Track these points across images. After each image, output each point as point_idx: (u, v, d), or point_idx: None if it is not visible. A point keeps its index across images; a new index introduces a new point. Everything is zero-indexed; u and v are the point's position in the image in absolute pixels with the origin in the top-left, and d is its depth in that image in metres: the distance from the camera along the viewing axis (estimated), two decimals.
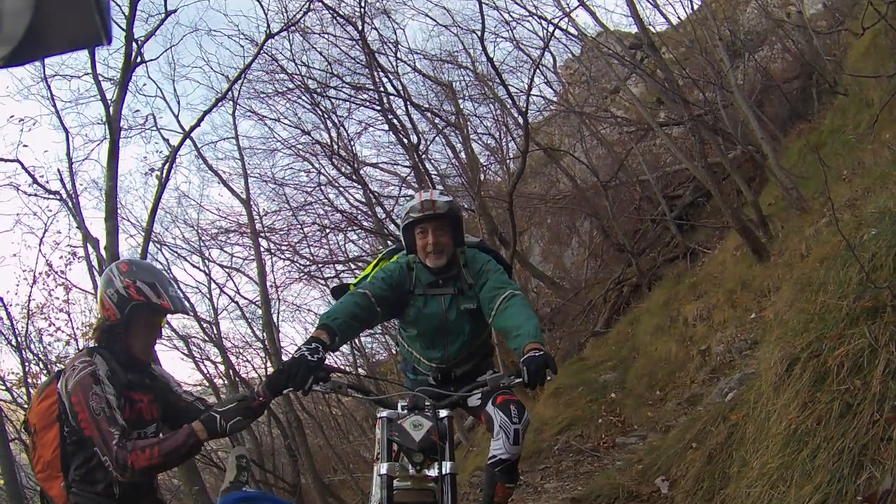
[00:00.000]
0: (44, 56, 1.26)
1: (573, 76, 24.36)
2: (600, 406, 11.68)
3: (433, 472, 4.13)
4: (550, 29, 17.14)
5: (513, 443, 4.53)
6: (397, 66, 19.39)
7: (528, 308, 4.71)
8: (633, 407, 11.25)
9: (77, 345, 23.08)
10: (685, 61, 16.27)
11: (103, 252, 15.28)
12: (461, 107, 21.33)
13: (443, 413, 4.28)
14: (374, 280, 4.99)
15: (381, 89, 17.96)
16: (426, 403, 4.31)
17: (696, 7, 16.77)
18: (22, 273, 25.51)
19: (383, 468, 4.15)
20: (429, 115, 20.17)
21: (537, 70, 19.11)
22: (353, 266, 23.74)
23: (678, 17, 18.28)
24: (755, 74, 17.51)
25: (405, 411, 4.31)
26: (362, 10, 17.19)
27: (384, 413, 4.39)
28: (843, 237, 4.37)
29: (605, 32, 17.80)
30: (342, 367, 24.56)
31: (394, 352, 28.27)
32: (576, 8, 15.93)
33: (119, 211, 19.89)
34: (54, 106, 18.23)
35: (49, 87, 18.12)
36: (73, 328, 23.09)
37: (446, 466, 4.09)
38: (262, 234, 23.17)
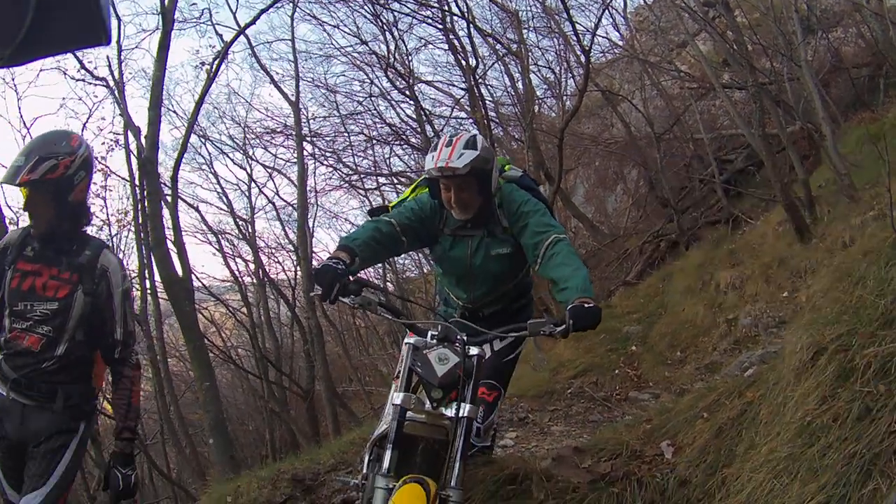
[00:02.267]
0: (44, 56, 1.27)
1: (642, 23, 23.98)
2: (619, 357, 11.67)
3: (450, 412, 3.97)
4: None
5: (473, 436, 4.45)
6: None
7: (575, 256, 4.43)
8: (651, 363, 11.24)
9: (110, 230, 23.35)
10: (757, 27, 15.90)
11: (143, 141, 15.36)
12: (524, 36, 21.11)
13: (473, 350, 4.09)
14: (403, 209, 4.83)
15: (446, 8, 17.72)
16: (457, 337, 4.12)
17: None
18: None
19: (398, 398, 4.02)
20: (490, 40, 19.89)
21: (606, 10, 18.86)
22: (395, 180, 23.82)
23: None
24: (825, 54, 17.16)
25: (433, 341, 4.15)
26: None
27: (411, 339, 4.26)
28: None
29: None
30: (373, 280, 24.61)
31: (425, 271, 28.40)
32: None
33: (166, 102, 19.97)
34: None
35: None
36: (107, 214, 23.27)
37: (464, 409, 3.93)
38: (308, 138, 23.20)
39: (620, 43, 23.06)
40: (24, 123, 23.53)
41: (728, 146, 18.90)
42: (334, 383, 22.40)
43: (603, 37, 21.69)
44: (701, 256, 14.49)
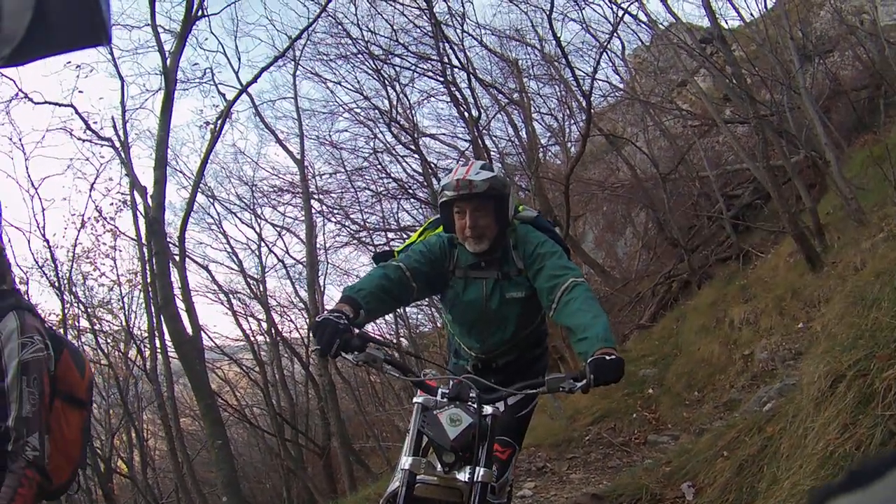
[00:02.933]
0: (44, 56, 1.22)
1: (641, 65, 24.06)
2: (636, 401, 11.53)
3: (463, 476, 3.74)
4: (620, 13, 16.90)
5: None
6: (463, 40, 19.19)
7: (595, 302, 4.09)
8: (669, 405, 11.10)
9: (120, 291, 23.52)
10: (755, 59, 15.96)
11: (150, 201, 15.46)
12: (525, 85, 21.21)
13: (488, 409, 3.84)
14: (411, 252, 4.50)
15: (446, 60, 17.79)
16: (471, 395, 3.88)
17: (769, 5, 16.54)
18: (71, 217, 25.90)
19: (407, 462, 3.79)
20: (492, 90, 20.04)
21: (604, 54, 18.94)
22: (404, 235, 23.78)
23: (751, 14, 17.99)
24: (824, 80, 17.16)
25: (444, 400, 3.93)
26: None
27: (420, 399, 4.00)
28: None
29: (675, 22, 17.52)
30: (382, 336, 24.50)
31: (439, 325, 28.33)
32: None
33: (172, 162, 20.17)
34: (112, 54, 18.40)
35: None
36: (117, 274, 23.53)
37: (479, 473, 3.68)
38: (315, 196, 23.29)
39: (621, 86, 23.20)
40: (32, 183, 23.73)
41: (734, 181, 18.88)
42: (350, 440, 22.28)
43: (603, 80, 21.85)
44: (713, 294, 14.38)
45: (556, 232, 4.83)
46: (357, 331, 3.85)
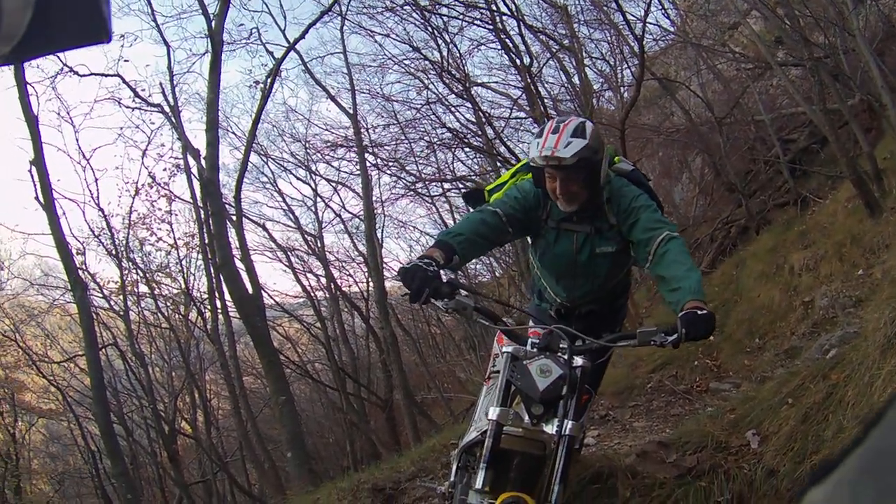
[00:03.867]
0: (45, 53, 1.29)
1: (692, 7, 23.65)
2: (697, 348, 11.48)
3: (550, 428, 3.75)
4: None
5: None
6: None
7: (689, 256, 4.18)
8: (730, 352, 11.10)
9: (178, 254, 23.82)
10: (808, 0, 15.77)
11: (203, 163, 15.63)
12: (576, 30, 21.03)
13: (578, 361, 3.87)
14: (506, 198, 4.56)
15: (494, 8, 17.69)
16: (562, 345, 3.90)
17: None
18: (124, 185, 26.10)
19: (494, 413, 3.82)
20: (543, 37, 19.87)
21: None
22: (460, 185, 23.79)
23: None
24: (877, 22, 16.82)
25: (535, 350, 3.94)
26: None
27: (509, 348, 4.01)
28: None
29: None
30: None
31: (497, 275, 28.36)
32: None
33: (223, 124, 20.37)
34: (155, 21, 18.59)
35: (150, 1, 18.42)
36: (174, 238, 23.85)
37: (567, 426, 3.71)
38: (369, 149, 23.31)
39: (672, 29, 22.90)
40: (84, 155, 23.97)
41: (790, 125, 18.61)
42: (412, 392, 22.42)
43: (654, 24, 21.48)
44: (772, 240, 14.27)
45: (650, 186, 4.86)
46: (446, 278, 3.94)
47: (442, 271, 3.95)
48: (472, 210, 4.75)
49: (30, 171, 16.30)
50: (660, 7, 22.09)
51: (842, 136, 12.83)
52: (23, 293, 27.51)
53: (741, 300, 13.10)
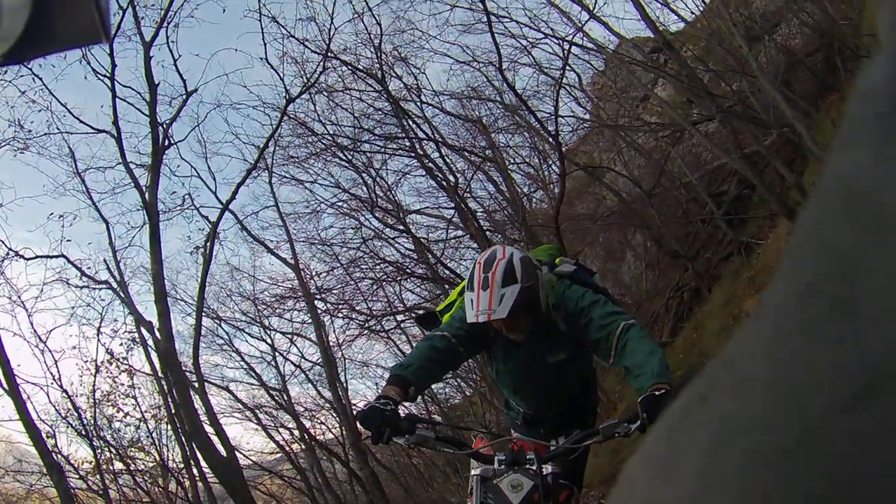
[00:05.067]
0: (42, 54, 1.20)
1: (601, 91, 24.15)
2: None
3: None
4: (567, 46, 17.05)
5: None
6: (424, 110, 19.38)
7: (648, 340, 4.10)
8: None
9: (147, 427, 23.51)
10: (707, 56, 16.02)
11: (158, 334, 15.60)
12: (494, 140, 21.30)
13: (547, 468, 3.85)
14: (453, 320, 4.49)
15: (412, 136, 17.91)
16: (528, 457, 3.89)
17: (706, 0, 16.66)
18: (84, 364, 25.97)
19: None
20: (464, 153, 20.11)
21: (562, 90, 18.99)
22: (412, 314, 23.74)
23: (691, 13, 18.05)
24: (777, 55, 17.15)
25: (502, 467, 3.90)
26: (380, 61, 17.28)
27: (477, 470, 3.99)
28: None
29: (622, 42, 17.62)
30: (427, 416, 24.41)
31: (467, 394, 28.20)
32: (587, 21, 15.69)
33: (172, 292, 20.39)
34: (91, 199, 18.81)
35: (83, 181, 18.81)
36: (141, 411, 23.65)
37: None
38: (317, 296, 23.31)
39: (586, 116, 23.24)
40: (40, 338, 23.86)
41: (718, 178, 18.80)
42: None
43: (569, 116, 21.89)
44: (724, 294, 14.32)
45: (594, 281, 4.77)
46: (404, 413, 3.92)
47: (401, 406, 3.96)
48: (426, 333, 4.76)
49: None
50: (571, 98, 22.46)
51: (767, 175, 12.92)
52: None
53: (707, 360, 12.96)
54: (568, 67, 18.63)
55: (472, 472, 4.05)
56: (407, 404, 4.09)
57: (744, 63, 12.98)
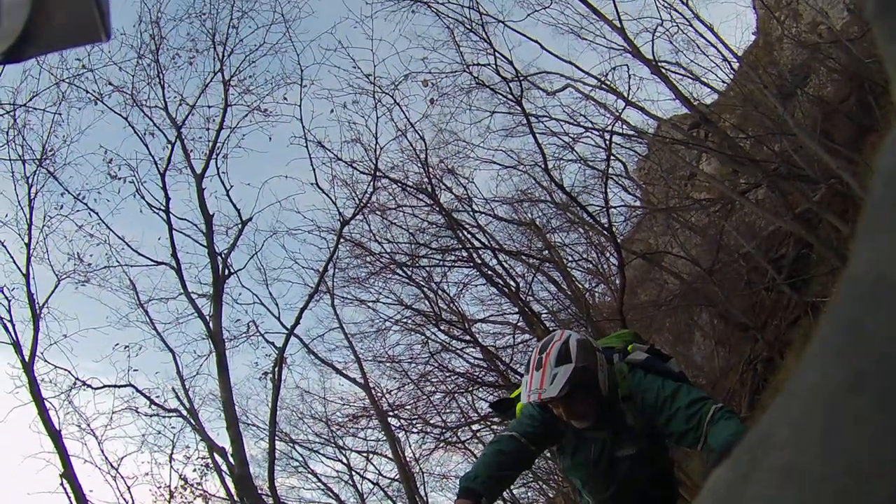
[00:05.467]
0: (43, 53, 1.24)
1: (647, 175, 24.17)
2: None
3: None
4: (608, 137, 17.18)
5: None
6: (477, 219, 19.58)
7: (735, 419, 3.96)
8: None
9: None
10: (744, 123, 16.02)
11: (231, 460, 15.57)
12: (550, 240, 21.29)
13: None
14: (522, 417, 4.42)
15: (469, 245, 18.00)
16: None
17: (735, 67, 16.71)
18: (158, 490, 25.84)
19: None
20: (521, 257, 20.13)
21: (609, 180, 19.06)
22: (488, 423, 23.53)
23: (722, 82, 18.11)
24: (812, 107, 17.09)
25: None
26: (428, 175, 17.54)
27: None
28: None
29: (661, 123, 17.70)
30: None
31: (550, 496, 27.65)
32: (624, 108, 15.84)
33: (243, 417, 20.41)
34: (155, 329, 18.86)
35: (146, 311, 18.85)
36: None
37: None
38: (390, 413, 23.13)
39: (637, 203, 23.23)
40: (112, 465, 23.76)
41: (775, 243, 18.64)
42: None
43: (620, 205, 21.92)
44: (797, 359, 13.99)
45: (670, 367, 4.61)
46: None
47: None
48: (499, 416, 4.98)
49: (61, 483, 16.15)
50: (619, 187, 22.51)
51: (823, 230, 12.77)
52: None
53: None
54: (612, 157, 18.73)
55: None
56: None
57: (781, 123, 12.97)
